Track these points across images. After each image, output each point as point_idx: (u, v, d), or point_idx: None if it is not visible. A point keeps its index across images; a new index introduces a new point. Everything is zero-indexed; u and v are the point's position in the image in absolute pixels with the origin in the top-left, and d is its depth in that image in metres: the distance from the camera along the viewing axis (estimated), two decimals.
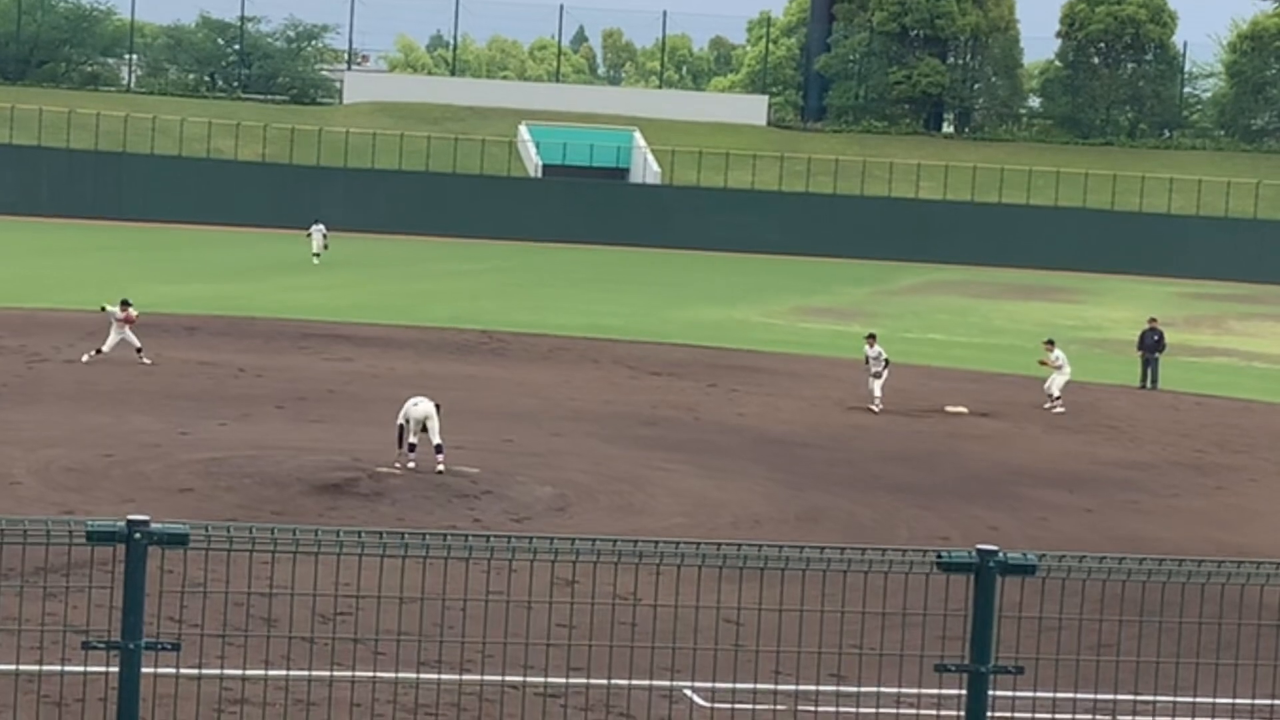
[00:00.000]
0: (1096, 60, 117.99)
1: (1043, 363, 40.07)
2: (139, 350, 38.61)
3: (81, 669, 7.82)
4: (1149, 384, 44.52)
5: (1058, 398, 38.90)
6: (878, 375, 38.12)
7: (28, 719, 10.23)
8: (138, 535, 6.79)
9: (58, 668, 9.08)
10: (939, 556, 7.20)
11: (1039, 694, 9.56)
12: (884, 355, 38.47)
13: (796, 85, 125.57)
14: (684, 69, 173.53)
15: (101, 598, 8.09)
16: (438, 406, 27.54)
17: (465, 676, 12.62)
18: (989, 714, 7.21)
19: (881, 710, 13.18)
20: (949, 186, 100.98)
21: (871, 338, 39.54)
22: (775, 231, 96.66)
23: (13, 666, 9.65)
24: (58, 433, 28.89)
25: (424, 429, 27.13)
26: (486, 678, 12.39)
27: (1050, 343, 40.92)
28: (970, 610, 7.10)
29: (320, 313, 51.43)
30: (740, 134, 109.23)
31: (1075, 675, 8.77)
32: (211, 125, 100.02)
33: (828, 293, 72.78)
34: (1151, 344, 45.29)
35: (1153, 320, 46.73)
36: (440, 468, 26.94)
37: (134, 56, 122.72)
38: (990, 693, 7.15)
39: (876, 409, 37.46)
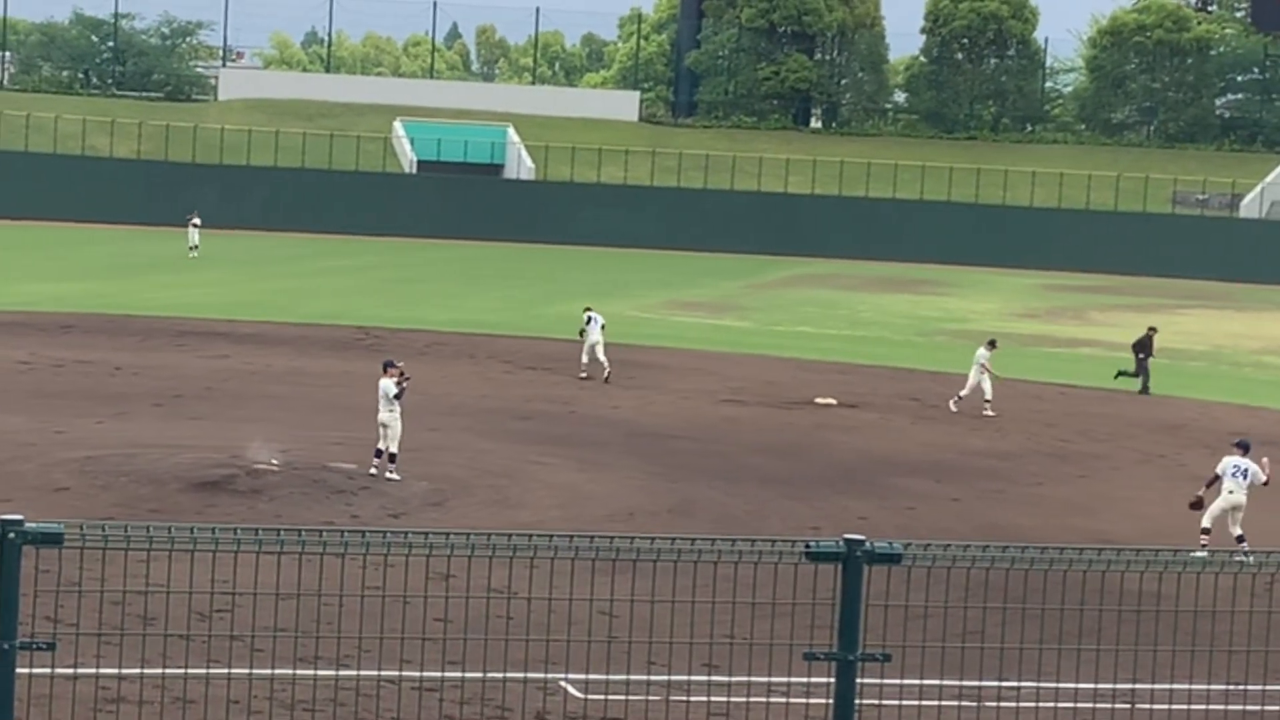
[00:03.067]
0: (960, 56, 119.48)
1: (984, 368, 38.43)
2: None
3: None
4: (1145, 389, 43.04)
5: (989, 400, 38.17)
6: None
7: None
8: (11, 535, 6.78)
9: None
10: (807, 546, 7.22)
11: (906, 681, 9.77)
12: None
13: (667, 81, 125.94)
14: (557, 65, 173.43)
15: None
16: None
17: (343, 672, 12.65)
18: (857, 701, 7.29)
19: (752, 699, 13.39)
20: (817, 181, 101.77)
21: (992, 344, 39.39)
22: (648, 226, 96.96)
23: None
24: None
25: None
26: (364, 673, 12.43)
27: (993, 344, 39.59)
28: (838, 599, 7.21)
29: (197, 310, 50.94)
30: (613, 129, 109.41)
31: (942, 662, 8.92)
32: (86, 122, 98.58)
33: (700, 286, 73.13)
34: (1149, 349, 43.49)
35: (1152, 329, 44.59)
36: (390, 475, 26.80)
37: (6, 53, 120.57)
38: (858, 680, 7.23)
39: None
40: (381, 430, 27.05)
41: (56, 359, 38.90)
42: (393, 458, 26.88)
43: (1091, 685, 10.51)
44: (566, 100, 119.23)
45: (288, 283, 63.96)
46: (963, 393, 38.60)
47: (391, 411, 27.01)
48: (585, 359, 41.21)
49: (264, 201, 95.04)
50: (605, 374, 40.31)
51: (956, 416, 37.67)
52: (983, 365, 38.58)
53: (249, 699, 12.42)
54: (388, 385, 27.23)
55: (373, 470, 26.84)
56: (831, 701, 7.27)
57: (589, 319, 41.54)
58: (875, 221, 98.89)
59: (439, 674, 12.70)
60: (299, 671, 12.60)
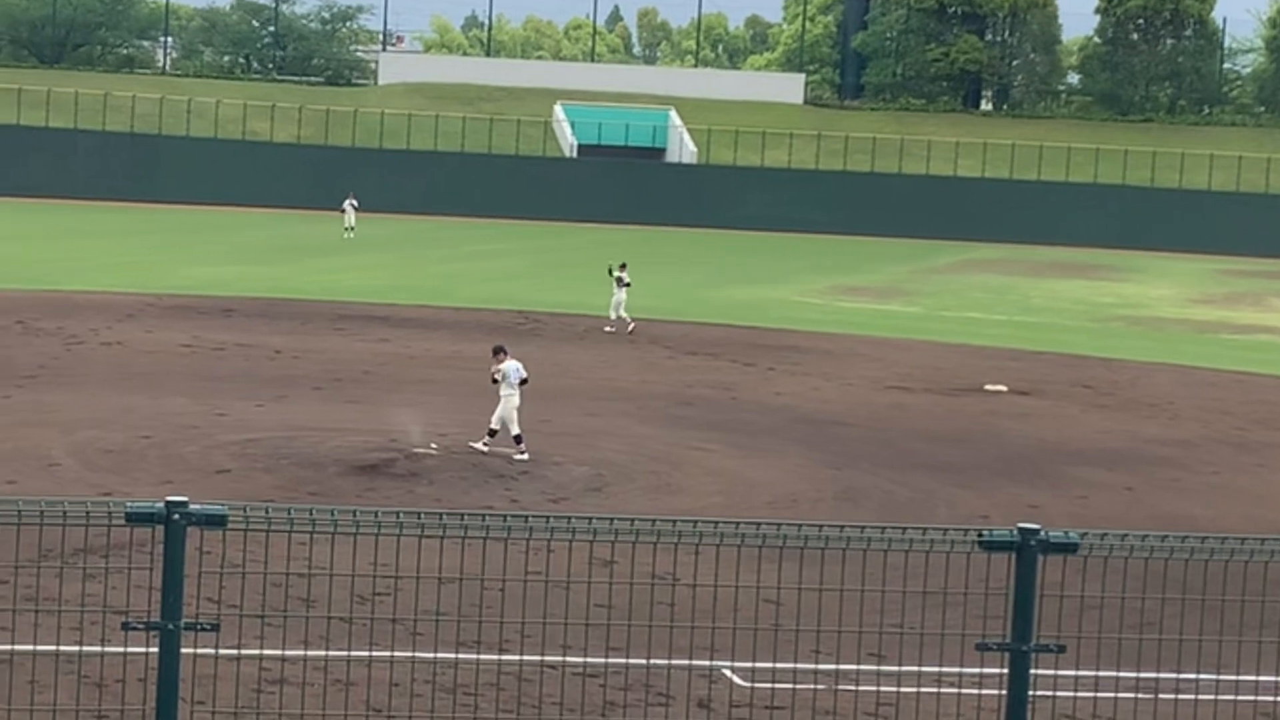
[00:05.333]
0: (1135, 36, 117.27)
1: None
2: None
3: (121, 649, 7.83)
4: None
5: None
6: None
7: (68, 699, 10.27)
8: (176, 516, 6.80)
9: (98, 648, 9.10)
10: (980, 535, 7.19)
11: (1081, 672, 9.51)
12: None
13: (834, 63, 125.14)
14: (720, 48, 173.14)
15: (140, 579, 8.09)
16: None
17: (504, 656, 12.62)
18: (1030, 692, 7.18)
19: (922, 689, 13.14)
20: (987, 164, 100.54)
21: None
22: (812, 210, 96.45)
23: (53, 647, 9.65)
24: (96, 414, 28.97)
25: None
26: (525, 658, 12.38)
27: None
28: (1011, 589, 7.08)
29: (356, 294, 51.50)
30: (777, 112, 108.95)
31: (1118, 654, 8.71)
32: (247, 107, 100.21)
33: (865, 271, 72.57)
34: None
35: None
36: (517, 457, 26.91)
37: (169, 39, 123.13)
38: (1032, 671, 7.12)
39: None
40: (500, 412, 27.09)
41: (217, 342, 39.53)
42: (494, 435, 26.95)
43: (1273, 678, 10.15)
44: (730, 83, 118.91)
45: (447, 267, 64.48)
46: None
47: (513, 392, 27.13)
48: (613, 315, 44.97)
49: (424, 186, 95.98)
50: (629, 329, 44.47)
51: (1129, 404, 36.93)
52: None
53: (410, 683, 12.42)
54: (516, 367, 27.32)
55: (517, 456, 26.86)
56: (1004, 693, 7.18)
57: (618, 278, 45.13)
58: (1047, 205, 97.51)
59: (602, 660, 12.62)
60: (460, 655, 12.58)
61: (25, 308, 43.88)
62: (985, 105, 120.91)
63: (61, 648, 9.93)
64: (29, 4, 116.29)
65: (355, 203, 78.80)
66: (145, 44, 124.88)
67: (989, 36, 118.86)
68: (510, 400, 27.18)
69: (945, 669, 11.54)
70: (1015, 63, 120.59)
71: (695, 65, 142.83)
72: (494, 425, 27.12)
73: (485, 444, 27.02)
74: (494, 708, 11.67)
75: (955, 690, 12.59)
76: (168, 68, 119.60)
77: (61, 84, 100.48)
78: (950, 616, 8.89)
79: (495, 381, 27.68)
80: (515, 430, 27.03)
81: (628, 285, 45.18)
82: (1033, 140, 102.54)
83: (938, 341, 47.20)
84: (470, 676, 13.14)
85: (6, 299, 45.52)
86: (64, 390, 31.67)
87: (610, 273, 45.86)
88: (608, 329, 44.88)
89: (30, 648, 9.27)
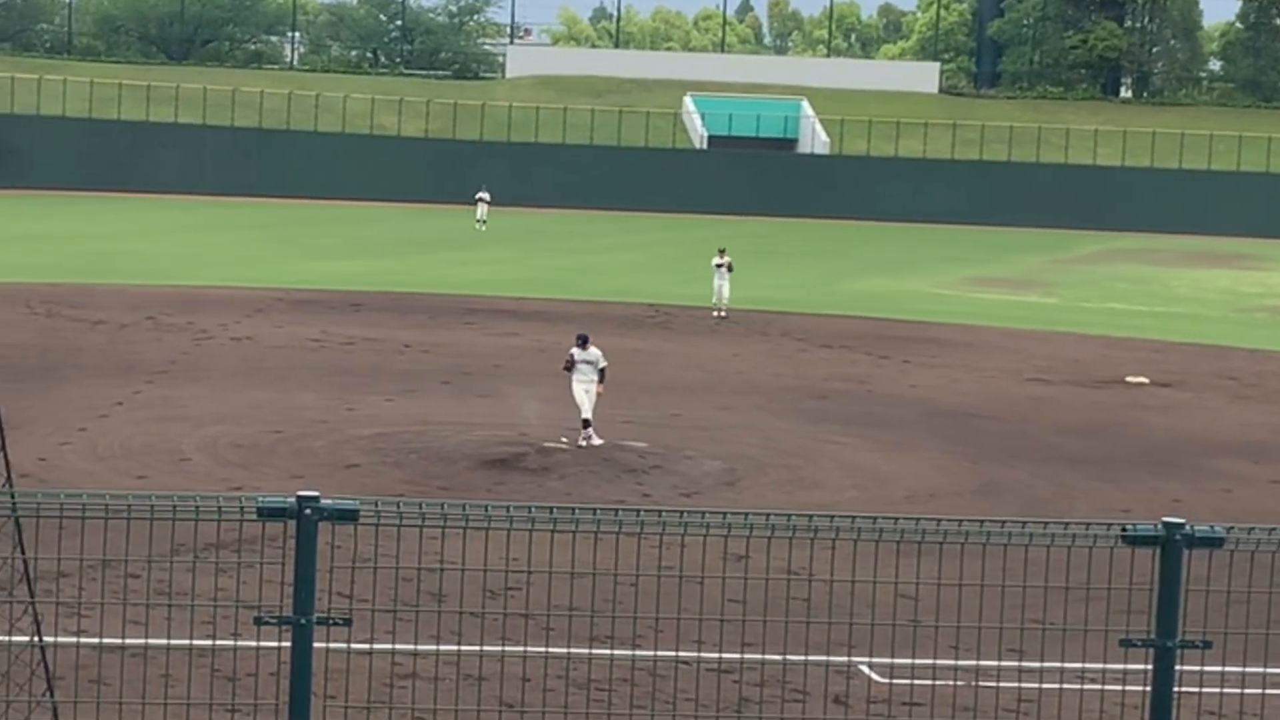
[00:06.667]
0: (1279, 21, 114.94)
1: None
2: None
3: (254, 644, 7.85)
4: None
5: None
6: None
7: (200, 693, 10.34)
8: (308, 511, 6.78)
9: (230, 643, 9.14)
10: (1123, 530, 7.04)
11: (1227, 669, 9.27)
12: None
13: (969, 51, 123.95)
14: (852, 37, 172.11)
15: (271, 573, 8.11)
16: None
17: (637, 652, 12.54)
18: (1176, 689, 7.01)
19: (1065, 686, 12.90)
20: (1127, 152, 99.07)
21: None
22: (948, 200, 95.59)
23: (186, 641, 9.74)
24: (225, 409, 29.28)
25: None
26: (661, 653, 12.30)
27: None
28: (1155, 584, 6.90)
29: (484, 288, 51.72)
30: (911, 102, 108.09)
31: (1265, 650, 8.47)
32: (374, 101, 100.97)
33: (1002, 262, 71.77)
34: None
35: None
36: (584, 442, 26.90)
37: (296, 34, 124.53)
38: (1176, 667, 6.95)
39: None
40: (585, 399, 27.01)
41: (346, 336, 39.84)
42: (587, 423, 26.91)
43: None
44: (863, 72, 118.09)
45: (576, 259, 64.59)
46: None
47: (593, 381, 27.09)
48: (715, 299, 46.64)
49: (552, 178, 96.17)
50: (722, 315, 46.07)
51: (1274, 395, 36.14)
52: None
53: (543, 678, 12.38)
54: (598, 355, 27.29)
55: (582, 442, 26.79)
56: (1148, 689, 7.00)
57: (716, 265, 46.95)
58: (1189, 194, 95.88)
59: (736, 655, 12.50)
60: (594, 651, 12.52)
61: (155, 303, 44.54)
62: (1125, 92, 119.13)
63: (194, 642, 10.00)
64: (157, 1, 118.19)
65: (487, 196, 79.45)
66: (273, 39, 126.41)
67: (1128, 23, 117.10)
68: (592, 388, 27.13)
69: (1088, 665, 11.32)
70: (1155, 49, 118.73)
71: (827, 55, 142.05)
72: (586, 415, 27.11)
73: (585, 437, 26.99)
74: (627, 704, 11.59)
75: (1098, 687, 12.35)
76: (295, 63, 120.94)
77: (190, 80, 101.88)
78: (1093, 612, 8.70)
79: (569, 370, 27.51)
80: (586, 415, 27.03)
81: (730, 267, 46.78)
82: (1174, 128, 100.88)
83: (1077, 333, 46.53)
84: (603, 672, 13.08)
85: (137, 295, 46.24)
86: (193, 385, 32.05)
87: (724, 263, 46.77)
88: (718, 315, 46.24)
89: (164, 642, 9.33)
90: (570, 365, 27.49)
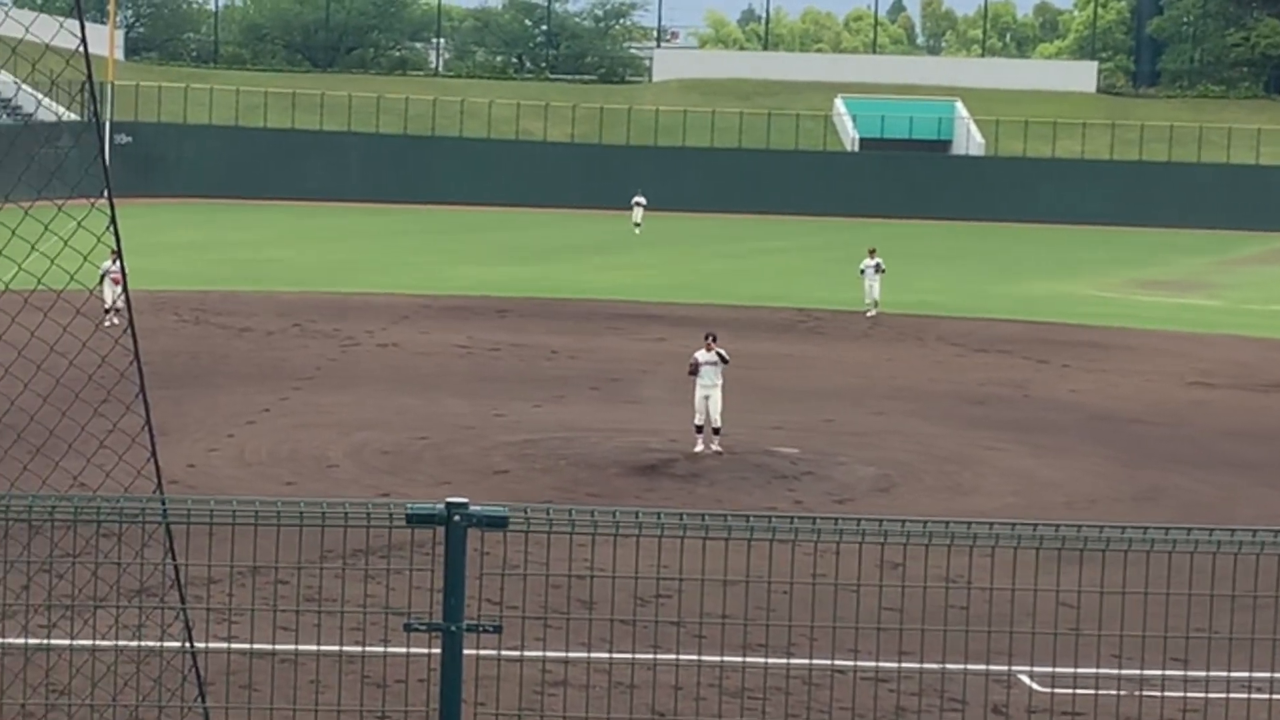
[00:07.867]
0: None
1: None
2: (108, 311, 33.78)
3: (403, 650, 7.81)
4: None
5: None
6: None
7: (350, 699, 10.34)
8: (457, 518, 6.72)
9: (380, 649, 9.12)
10: None
11: None
12: None
13: (1127, 50, 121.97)
14: (1007, 36, 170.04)
15: (420, 580, 8.06)
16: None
17: (791, 660, 12.37)
18: None
19: (1231, 695, 12.50)
20: None
21: None
22: (1106, 202, 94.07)
23: (335, 647, 9.74)
24: (372, 415, 29.46)
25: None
26: (814, 662, 12.13)
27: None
28: None
29: (632, 293, 51.66)
30: (1068, 101, 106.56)
31: None
32: (520, 107, 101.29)
33: (1163, 264, 70.47)
34: None
35: None
36: (699, 448, 26.72)
37: (441, 40, 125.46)
38: None
39: None
40: (705, 404, 26.71)
41: (494, 343, 39.95)
42: (716, 430, 26.62)
43: None
44: (1018, 72, 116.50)
45: (724, 264, 64.33)
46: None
47: (715, 386, 26.77)
48: (866, 299, 46.87)
49: (700, 182, 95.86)
50: (873, 315, 46.33)
51: None
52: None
53: (695, 686, 12.26)
54: (720, 354, 27.02)
55: (698, 448, 26.51)
56: None
57: (866, 267, 47.11)
58: None
59: (894, 664, 12.29)
60: (748, 660, 12.37)
61: (302, 310, 45.02)
62: None
63: (344, 648, 10.00)
64: (302, 9, 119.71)
65: (643, 200, 79.62)
66: (418, 45, 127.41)
67: None
68: (714, 393, 26.86)
69: (1256, 674, 10.96)
70: None
71: (982, 55, 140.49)
72: (700, 421, 26.89)
73: (706, 442, 26.80)
74: (781, 712, 11.43)
75: (1266, 696, 11.97)
76: (440, 69, 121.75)
77: (335, 87, 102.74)
78: (1262, 620, 8.41)
79: (694, 373, 27.21)
80: (700, 421, 26.77)
81: (880, 268, 47.01)
82: None
83: (1242, 335, 45.53)
84: (756, 680, 12.93)
85: (283, 302, 46.79)
86: (340, 392, 32.30)
87: (874, 263, 47.01)
88: (870, 314, 46.52)
89: (314, 648, 9.33)
90: (695, 369, 27.27)
